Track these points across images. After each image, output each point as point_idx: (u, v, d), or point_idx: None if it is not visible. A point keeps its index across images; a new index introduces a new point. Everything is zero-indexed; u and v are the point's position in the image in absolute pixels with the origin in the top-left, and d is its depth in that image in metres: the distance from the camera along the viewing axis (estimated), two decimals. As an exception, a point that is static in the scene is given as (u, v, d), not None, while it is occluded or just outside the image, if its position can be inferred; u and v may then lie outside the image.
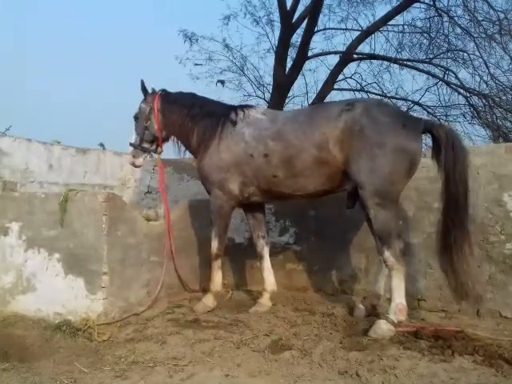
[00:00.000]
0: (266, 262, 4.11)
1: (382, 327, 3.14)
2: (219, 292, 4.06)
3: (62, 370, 2.76)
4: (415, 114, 10.59)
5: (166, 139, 4.22)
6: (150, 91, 4.23)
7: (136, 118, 4.22)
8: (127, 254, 3.72)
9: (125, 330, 3.43)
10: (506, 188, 3.70)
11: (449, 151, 3.11)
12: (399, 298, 3.19)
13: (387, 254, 3.19)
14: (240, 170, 3.74)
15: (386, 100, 10.64)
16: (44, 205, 3.77)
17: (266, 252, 4.11)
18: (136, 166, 4.35)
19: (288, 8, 8.73)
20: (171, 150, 4.31)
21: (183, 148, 4.24)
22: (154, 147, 4.23)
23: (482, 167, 3.79)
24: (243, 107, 3.99)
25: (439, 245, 3.20)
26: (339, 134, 3.29)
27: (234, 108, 3.99)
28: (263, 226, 4.16)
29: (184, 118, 4.00)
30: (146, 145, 4.17)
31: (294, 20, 8.99)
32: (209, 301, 3.92)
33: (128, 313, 3.63)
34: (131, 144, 4.20)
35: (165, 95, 4.17)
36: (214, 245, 3.92)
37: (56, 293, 3.62)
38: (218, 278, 4.01)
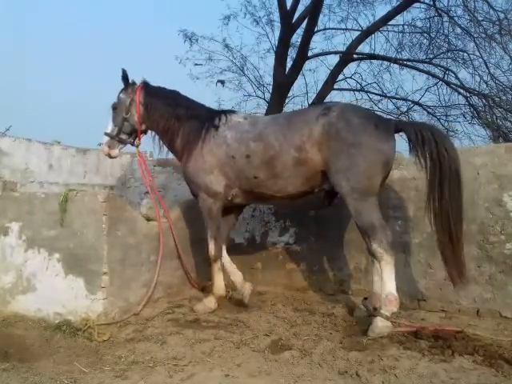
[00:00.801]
0: (224, 259, 4.18)
1: (379, 325, 3.18)
2: (222, 296, 4.05)
3: (62, 370, 2.76)
4: (415, 114, 10.62)
5: (144, 132, 4.23)
6: (130, 82, 4.17)
7: (114, 108, 4.15)
8: (127, 253, 3.72)
9: (125, 329, 3.43)
10: (506, 188, 3.70)
11: (420, 148, 3.23)
12: (389, 289, 3.23)
13: (374, 246, 3.26)
14: (223, 172, 3.83)
15: (385, 100, 10.66)
16: (44, 205, 3.77)
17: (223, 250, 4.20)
18: (111, 157, 4.29)
19: (288, 8, 8.71)
20: (155, 147, 4.30)
21: (163, 147, 4.21)
22: (131, 139, 4.20)
23: (482, 167, 3.80)
24: (225, 112, 4.05)
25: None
26: (317, 137, 3.45)
27: (217, 113, 4.05)
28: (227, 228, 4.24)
29: (169, 117, 4.01)
30: (123, 136, 4.13)
31: (294, 20, 8.97)
32: (210, 303, 3.93)
33: (128, 313, 3.63)
34: (108, 134, 4.12)
35: (147, 88, 4.13)
36: (211, 247, 3.96)
37: (56, 293, 3.62)
38: (220, 281, 4.03)
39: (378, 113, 10.75)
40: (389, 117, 10.68)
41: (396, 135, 3.47)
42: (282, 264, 4.70)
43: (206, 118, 3.97)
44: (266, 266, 4.78)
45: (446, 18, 9.09)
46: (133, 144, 4.24)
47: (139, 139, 4.21)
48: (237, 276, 4.13)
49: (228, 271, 4.16)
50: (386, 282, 3.23)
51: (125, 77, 4.15)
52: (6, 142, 4.77)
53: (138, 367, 2.78)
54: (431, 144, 3.21)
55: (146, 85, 4.16)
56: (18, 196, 4.02)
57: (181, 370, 2.71)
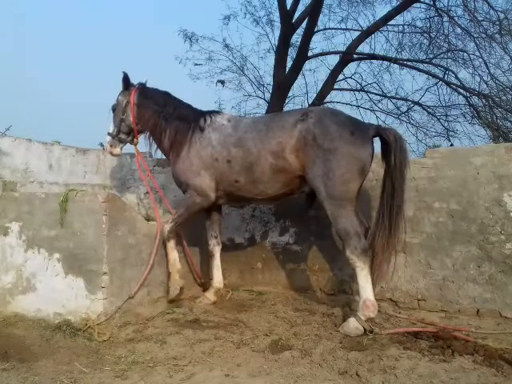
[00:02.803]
0: (216, 260, 4.36)
1: (350, 325, 3.26)
2: (180, 270, 4.08)
3: (62, 370, 2.76)
4: (415, 114, 10.62)
5: (141, 132, 4.38)
6: (131, 84, 4.35)
7: (113, 109, 4.38)
8: (127, 253, 3.72)
9: (125, 329, 3.43)
10: (506, 188, 3.70)
11: (397, 152, 3.36)
12: (366, 295, 3.29)
13: (348, 252, 3.36)
14: (209, 173, 3.94)
15: (385, 100, 10.64)
16: (44, 205, 3.77)
17: (216, 251, 4.37)
18: (114, 155, 4.58)
19: (288, 8, 8.72)
20: (146, 144, 4.46)
21: (154, 144, 4.37)
22: (130, 138, 4.40)
23: (482, 167, 3.80)
24: (211, 113, 4.15)
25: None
26: (294, 143, 3.53)
27: (203, 114, 4.15)
28: (217, 227, 4.40)
29: (157, 116, 4.17)
30: (122, 136, 4.37)
31: (294, 20, 8.98)
32: (175, 282, 3.99)
33: (128, 313, 3.63)
34: (109, 134, 4.37)
35: (141, 89, 4.30)
36: (168, 227, 3.99)
37: (56, 293, 3.62)
38: (173, 256, 4.06)
39: (378, 113, 10.80)
40: (389, 117, 10.73)
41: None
42: (282, 264, 4.70)
43: (193, 119, 4.09)
44: (266, 265, 4.78)
45: (446, 18, 9.09)
46: (131, 143, 4.43)
47: (137, 138, 4.39)
48: (218, 277, 4.33)
49: (213, 274, 4.35)
50: (363, 287, 3.31)
51: (125, 79, 4.32)
52: (6, 142, 4.76)
53: (138, 367, 2.78)
54: (405, 155, 3.38)
55: (141, 86, 4.32)
56: (17, 196, 4.02)
57: (181, 370, 2.71)
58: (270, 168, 3.64)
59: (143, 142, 4.43)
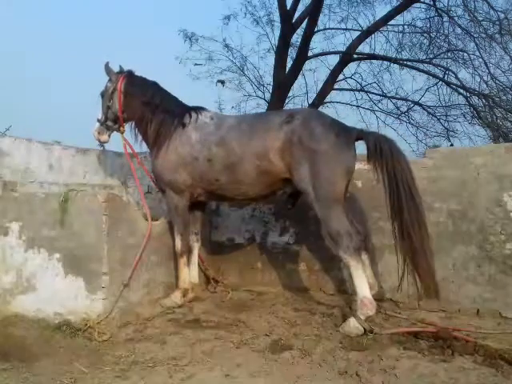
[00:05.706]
0: (194, 257, 4.35)
1: (350, 325, 3.23)
2: (187, 289, 4.09)
3: (62, 370, 2.75)
4: (415, 114, 10.64)
5: (127, 121, 4.31)
6: (117, 70, 4.32)
7: (102, 95, 4.32)
8: (127, 253, 3.72)
9: (125, 329, 3.42)
10: (506, 188, 3.70)
11: (378, 157, 3.34)
12: (363, 293, 3.28)
13: (341, 252, 3.34)
14: (187, 172, 3.90)
15: (385, 100, 10.64)
16: (44, 205, 3.77)
17: (194, 247, 4.35)
18: (101, 142, 4.50)
19: (288, 8, 8.74)
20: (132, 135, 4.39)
21: (139, 136, 4.30)
22: (117, 126, 4.33)
23: (482, 167, 3.80)
24: (195, 110, 4.07)
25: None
26: (280, 145, 3.50)
27: (188, 110, 4.08)
28: (198, 223, 4.39)
29: (144, 107, 4.09)
30: (109, 123, 4.29)
31: (294, 20, 9.00)
32: (177, 298, 3.98)
33: (129, 313, 3.63)
34: (98, 120, 4.31)
35: (129, 77, 4.23)
36: (178, 243, 4.04)
37: (56, 293, 3.62)
38: (185, 275, 4.09)
39: (378, 113, 10.82)
40: (389, 117, 10.74)
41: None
42: (282, 264, 4.69)
43: (177, 114, 4.03)
44: (266, 265, 4.78)
45: (446, 18, 9.13)
46: (118, 131, 4.36)
47: (123, 127, 4.31)
48: (192, 277, 4.26)
49: (190, 270, 4.26)
50: (359, 286, 3.29)
51: (106, 67, 4.29)
52: (6, 142, 4.75)
53: (138, 367, 2.78)
54: (387, 156, 3.30)
55: (129, 74, 4.25)
56: (17, 196, 4.01)
57: (181, 370, 2.71)
58: (253, 169, 3.60)
59: (130, 132, 4.35)
